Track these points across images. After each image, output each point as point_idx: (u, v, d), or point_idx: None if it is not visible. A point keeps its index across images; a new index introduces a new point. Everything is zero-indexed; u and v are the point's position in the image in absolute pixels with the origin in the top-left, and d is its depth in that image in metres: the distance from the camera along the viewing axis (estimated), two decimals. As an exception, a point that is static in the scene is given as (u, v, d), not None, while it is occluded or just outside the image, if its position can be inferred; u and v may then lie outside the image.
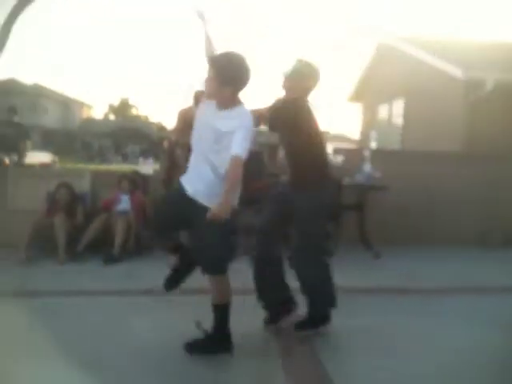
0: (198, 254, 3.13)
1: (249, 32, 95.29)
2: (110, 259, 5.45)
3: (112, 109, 51.98)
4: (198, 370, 2.98)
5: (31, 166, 7.28)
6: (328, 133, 32.80)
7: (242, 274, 3.74)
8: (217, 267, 3.08)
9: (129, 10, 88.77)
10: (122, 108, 52.14)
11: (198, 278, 3.90)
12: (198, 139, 3.10)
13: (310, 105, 3.52)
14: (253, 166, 6.26)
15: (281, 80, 3.55)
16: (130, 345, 3.30)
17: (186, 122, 6.66)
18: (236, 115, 2.99)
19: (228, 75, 2.92)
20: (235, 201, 3.08)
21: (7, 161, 6.56)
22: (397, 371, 3.01)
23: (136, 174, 6.64)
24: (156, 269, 5.18)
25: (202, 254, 3.07)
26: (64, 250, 5.48)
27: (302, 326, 3.58)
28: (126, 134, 40.16)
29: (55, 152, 18.01)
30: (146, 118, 51.36)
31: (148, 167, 6.70)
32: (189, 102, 6.80)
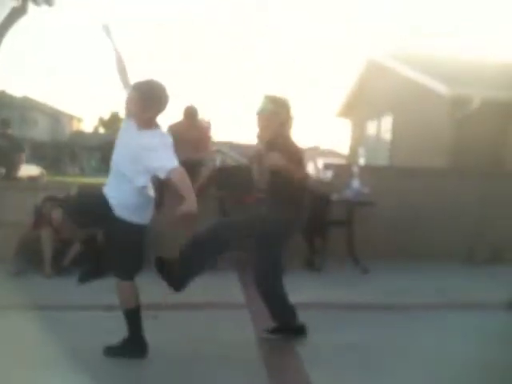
0: (110, 257, 3.34)
1: (249, 31, 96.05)
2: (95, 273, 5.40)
3: (102, 122, 51.89)
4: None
5: (19, 179, 7.24)
6: (318, 148, 33.00)
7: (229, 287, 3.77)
8: (125, 274, 3.29)
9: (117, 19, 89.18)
10: (112, 121, 52.09)
11: (185, 294, 3.92)
12: (117, 155, 3.26)
13: (286, 142, 3.57)
14: (242, 181, 6.33)
15: (255, 120, 3.65)
16: (117, 360, 3.28)
17: (176, 136, 6.71)
18: (156, 135, 3.18)
19: (149, 103, 3.13)
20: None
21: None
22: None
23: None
24: (143, 284, 5.20)
25: (113, 259, 3.31)
26: (50, 264, 5.44)
27: (274, 331, 3.69)
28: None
29: (45, 165, 17.91)
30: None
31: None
32: (179, 117, 6.84)
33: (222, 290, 5.17)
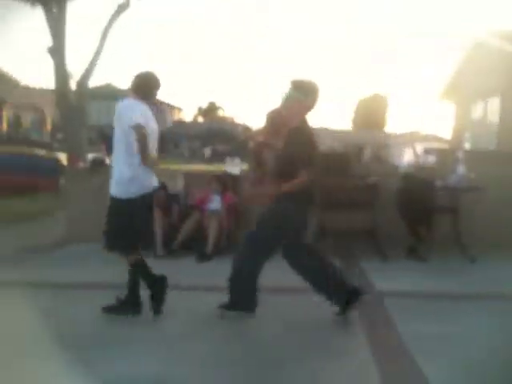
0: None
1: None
2: (203, 257, 5.67)
3: (200, 111, 53.57)
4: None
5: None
6: (418, 132, 31.73)
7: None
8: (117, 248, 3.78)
9: (211, 14, 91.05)
10: (210, 110, 53.59)
11: (288, 278, 4.00)
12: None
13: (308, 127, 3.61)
14: (339, 167, 6.29)
15: (280, 105, 3.66)
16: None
17: (275, 123, 6.80)
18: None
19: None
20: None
21: (108, 161, 7.00)
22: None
23: (225, 174, 6.83)
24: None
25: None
26: (161, 246, 5.78)
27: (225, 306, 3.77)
28: (214, 135, 41.20)
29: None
30: (232, 119, 52.34)
31: (235, 167, 6.87)
32: (277, 104, 6.93)
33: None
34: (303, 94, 3.46)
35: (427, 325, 3.72)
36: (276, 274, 4.01)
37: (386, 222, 5.88)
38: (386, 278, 4.99)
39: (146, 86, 3.77)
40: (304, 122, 3.53)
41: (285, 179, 3.53)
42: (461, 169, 6.05)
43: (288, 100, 3.52)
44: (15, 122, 15.21)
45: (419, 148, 14.63)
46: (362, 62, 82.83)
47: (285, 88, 3.50)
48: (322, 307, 3.89)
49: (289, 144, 3.52)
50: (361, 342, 3.44)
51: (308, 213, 3.76)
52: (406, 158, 12.33)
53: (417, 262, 5.75)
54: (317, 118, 6.78)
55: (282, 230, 3.64)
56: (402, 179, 6.19)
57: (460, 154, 6.23)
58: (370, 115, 35.53)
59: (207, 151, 27.33)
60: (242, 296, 3.73)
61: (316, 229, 5.87)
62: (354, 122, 39.27)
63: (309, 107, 3.51)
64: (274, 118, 6.74)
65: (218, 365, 3.08)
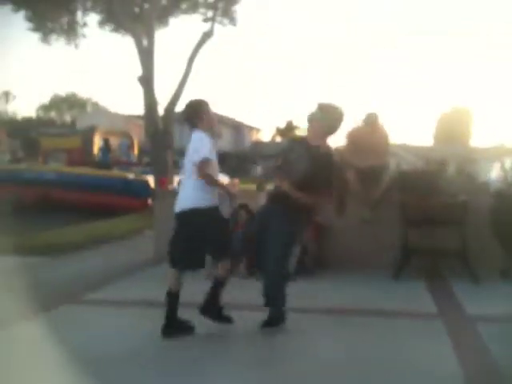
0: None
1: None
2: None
3: (279, 131, 54.12)
4: None
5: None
6: (503, 146, 30.12)
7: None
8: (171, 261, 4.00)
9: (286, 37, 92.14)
10: (288, 130, 53.95)
11: (373, 300, 3.95)
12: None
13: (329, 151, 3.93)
14: (425, 184, 6.12)
15: (307, 125, 3.92)
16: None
17: (356, 143, 6.77)
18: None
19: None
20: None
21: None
22: None
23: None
24: (330, 288, 5.35)
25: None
26: (245, 267, 5.86)
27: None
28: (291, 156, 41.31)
29: (230, 173, 19.36)
30: (310, 138, 52.31)
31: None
32: (357, 123, 6.88)
33: (410, 297, 5.07)
34: (327, 116, 3.79)
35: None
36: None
37: (477, 242, 5.63)
38: (478, 302, 4.78)
39: (195, 113, 4.03)
40: (326, 145, 3.90)
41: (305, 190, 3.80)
42: None
43: (312, 119, 3.87)
44: (105, 147, 16.16)
45: (508, 163, 13.86)
46: (442, 74, 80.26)
47: (311, 110, 3.90)
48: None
49: (316, 165, 3.79)
50: (454, 366, 3.31)
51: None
52: (494, 173, 11.74)
53: (510, 284, 5.44)
54: (395, 135, 6.71)
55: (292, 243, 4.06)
56: (495, 197, 5.92)
57: None
58: (453, 129, 34.25)
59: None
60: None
61: (402, 248, 5.75)
62: (436, 137, 38.00)
63: (331, 129, 3.86)
64: (356, 137, 6.74)
65: None
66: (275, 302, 3.94)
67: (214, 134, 4.09)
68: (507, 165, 13.09)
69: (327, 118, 3.78)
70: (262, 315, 3.98)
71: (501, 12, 79.74)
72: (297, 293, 5.15)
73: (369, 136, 6.40)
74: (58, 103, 56.71)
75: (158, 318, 3.90)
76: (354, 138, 6.62)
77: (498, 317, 4.38)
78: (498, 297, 4.98)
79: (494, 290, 5.22)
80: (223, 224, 4.10)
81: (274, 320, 3.93)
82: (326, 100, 3.92)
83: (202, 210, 3.87)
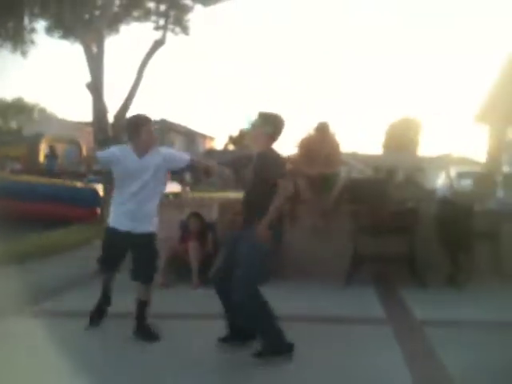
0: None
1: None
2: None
3: (232, 139, 54.20)
4: None
5: (166, 196, 7.84)
6: (450, 155, 31.26)
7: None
8: (151, 277, 4.16)
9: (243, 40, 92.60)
10: (240, 138, 54.14)
11: (324, 307, 3.95)
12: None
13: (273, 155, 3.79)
14: (376, 193, 6.26)
15: (246, 133, 3.89)
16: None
17: (308, 151, 6.85)
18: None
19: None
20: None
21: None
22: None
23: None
24: (281, 296, 5.34)
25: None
26: (197, 276, 5.82)
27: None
28: (243, 162, 41.44)
29: (182, 182, 19.21)
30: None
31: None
32: (309, 132, 6.97)
33: (359, 304, 5.14)
34: (268, 125, 3.79)
35: (470, 355, 3.63)
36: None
37: (424, 248, 5.79)
38: (425, 306, 4.89)
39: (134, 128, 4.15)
40: (270, 148, 3.81)
41: (260, 204, 3.61)
42: (501, 193, 5.94)
43: (251, 126, 3.90)
44: (51, 154, 15.68)
45: (453, 171, 14.38)
46: (391, 83, 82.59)
47: (251, 118, 3.91)
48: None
49: (258, 169, 3.72)
50: (404, 373, 3.37)
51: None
52: (440, 181, 12.15)
53: (456, 289, 5.60)
54: (346, 143, 6.83)
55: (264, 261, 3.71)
56: (440, 204, 6.11)
57: (499, 178, 6.12)
58: (402, 138, 35.30)
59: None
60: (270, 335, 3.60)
61: (353, 254, 5.84)
62: (385, 145, 39.04)
63: (273, 138, 3.81)
64: (307, 146, 6.83)
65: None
66: (262, 334, 3.61)
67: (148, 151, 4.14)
68: (452, 173, 13.59)
69: (268, 124, 3.79)
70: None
71: (450, 19, 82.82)
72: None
73: (320, 144, 6.50)
74: (5, 109, 54.77)
75: (107, 328, 3.80)
76: (305, 146, 6.70)
77: (445, 321, 4.50)
78: (445, 302, 5.12)
79: (441, 295, 5.37)
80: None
81: (268, 351, 3.54)
82: (272, 109, 3.97)
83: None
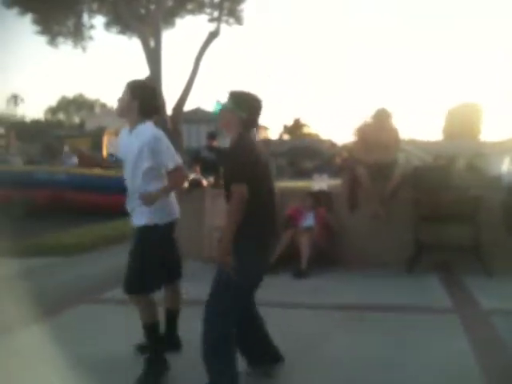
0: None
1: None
2: (299, 274, 5.71)
3: (286, 129, 54.11)
4: None
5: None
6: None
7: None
8: (128, 287, 3.20)
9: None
10: (295, 127, 53.94)
11: (388, 296, 3.91)
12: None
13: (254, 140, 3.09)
14: (438, 180, 6.10)
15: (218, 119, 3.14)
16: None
17: (366, 139, 6.75)
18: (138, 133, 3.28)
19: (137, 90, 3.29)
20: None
21: (204, 182, 7.27)
22: None
23: (320, 191, 6.84)
24: (342, 284, 5.36)
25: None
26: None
27: None
28: (300, 152, 41.38)
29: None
30: (317, 135, 52.36)
31: (323, 183, 6.92)
32: (366, 119, 6.87)
33: (424, 292, 5.06)
34: (239, 107, 3.07)
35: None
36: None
37: (489, 236, 5.61)
38: (491, 295, 4.75)
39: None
40: (242, 135, 3.05)
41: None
42: None
43: (222, 109, 3.12)
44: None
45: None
46: (451, 68, 79.77)
47: (223, 99, 3.16)
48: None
49: (229, 166, 3.03)
50: (471, 361, 3.30)
51: (263, 256, 3.02)
52: (505, 167, 11.63)
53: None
54: (403, 130, 6.69)
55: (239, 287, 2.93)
56: (506, 191, 5.89)
57: None
58: (463, 124, 34.07)
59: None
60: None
61: (415, 243, 5.74)
62: (445, 132, 37.81)
63: (246, 121, 3.07)
64: (365, 133, 6.74)
65: None
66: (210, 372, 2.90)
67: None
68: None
69: (244, 108, 3.07)
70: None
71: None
72: (310, 289, 5.19)
73: (379, 132, 6.39)
74: (66, 105, 57.00)
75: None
76: (363, 134, 6.62)
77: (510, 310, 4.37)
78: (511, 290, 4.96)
79: (508, 283, 5.19)
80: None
81: None
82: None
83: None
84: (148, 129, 3.26)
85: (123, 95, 3.28)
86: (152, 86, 3.50)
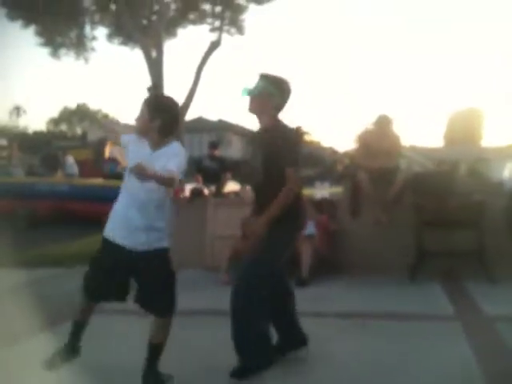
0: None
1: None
2: (300, 282, 5.69)
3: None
4: None
5: (227, 195, 7.99)
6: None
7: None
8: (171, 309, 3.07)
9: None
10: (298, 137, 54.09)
11: (391, 303, 3.89)
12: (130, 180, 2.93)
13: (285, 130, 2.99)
14: (440, 186, 6.09)
15: (246, 101, 3.00)
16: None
17: (367, 146, 6.75)
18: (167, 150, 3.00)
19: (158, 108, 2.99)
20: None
21: (206, 191, 7.30)
22: None
23: (323, 199, 6.84)
24: (345, 292, 5.34)
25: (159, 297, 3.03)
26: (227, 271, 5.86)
27: None
28: (301, 159, 41.35)
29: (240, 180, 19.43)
30: (319, 143, 52.38)
31: (324, 191, 6.94)
32: (366, 125, 6.87)
33: (426, 299, 5.04)
34: (276, 90, 2.93)
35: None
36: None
37: (492, 242, 5.59)
38: (495, 302, 4.72)
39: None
40: (278, 121, 2.98)
41: (269, 195, 2.94)
42: None
43: (257, 93, 2.94)
44: (111, 159, 16.24)
45: (521, 162, 13.65)
46: (450, 74, 79.90)
47: (253, 81, 2.99)
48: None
49: (266, 151, 2.93)
50: (475, 369, 3.28)
51: (295, 238, 3.18)
52: (508, 172, 11.61)
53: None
54: (404, 136, 6.69)
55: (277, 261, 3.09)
56: (510, 197, 5.87)
57: None
58: (463, 130, 34.02)
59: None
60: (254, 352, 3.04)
61: (417, 249, 5.73)
62: (446, 137, 37.76)
63: (279, 105, 2.96)
64: (367, 140, 6.74)
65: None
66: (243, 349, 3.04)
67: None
68: (520, 163, 12.92)
69: (280, 90, 2.94)
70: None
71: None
72: (312, 297, 5.17)
73: (380, 138, 6.40)
74: (69, 115, 57.24)
75: (179, 324, 3.90)
76: (365, 140, 6.62)
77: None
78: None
79: (511, 289, 5.17)
80: None
81: (244, 371, 3.03)
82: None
83: None
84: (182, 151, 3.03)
85: (142, 112, 3.06)
86: (175, 104, 3.16)
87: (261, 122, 3.01)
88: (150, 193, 2.92)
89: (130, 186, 2.99)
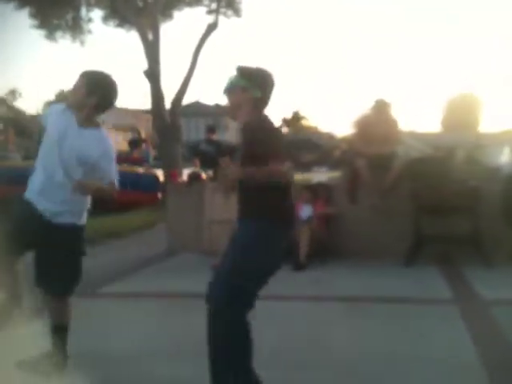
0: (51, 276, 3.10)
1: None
2: (297, 266, 5.71)
3: (285, 122, 54.05)
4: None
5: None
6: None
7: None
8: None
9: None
10: (294, 120, 53.86)
11: (391, 287, 3.89)
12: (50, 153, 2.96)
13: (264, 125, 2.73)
14: (437, 172, 6.10)
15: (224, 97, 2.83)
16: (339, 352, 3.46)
17: (365, 131, 6.73)
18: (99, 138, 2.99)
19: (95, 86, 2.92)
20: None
21: (204, 176, 7.29)
22: None
23: (318, 184, 6.85)
24: (342, 276, 5.37)
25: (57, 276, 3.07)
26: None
27: None
28: (299, 145, 41.32)
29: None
30: (316, 128, 52.29)
31: (322, 175, 6.95)
32: (363, 111, 6.83)
33: (423, 284, 5.07)
34: (250, 83, 2.74)
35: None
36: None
37: (489, 228, 5.61)
38: (492, 286, 4.75)
39: None
40: (258, 116, 2.77)
41: (254, 192, 2.61)
42: None
43: (231, 89, 2.79)
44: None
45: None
46: (448, 59, 79.53)
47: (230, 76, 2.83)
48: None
49: (246, 145, 2.68)
50: (472, 353, 3.31)
51: (284, 240, 2.74)
52: (505, 158, 11.61)
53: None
54: (402, 122, 6.67)
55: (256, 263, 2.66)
56: (506, 182, 5.88)
57: None
58: (460, 115, 33.96)
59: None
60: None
61: (414, 234, 5.75)
62: (443, 123, 37.73)
63: (259, 100, 2.76)
64: (364, 125, 6.71)
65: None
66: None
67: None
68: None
69: (256, 84, 2.74)
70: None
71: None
72: (309, 281, 5.20)
73: (378, 123, 6.38)
74: (65, 99, 56.81)
75: (174, 309, 3.92)
76: (362, 126, 6.60)
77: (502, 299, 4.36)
78: (506, 280, 4.95)
79: (508, 274, 5.20)
80: None
81: None
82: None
83: None
84: (109, 142, 3.07)
85: (78, 85, 2.96)
86: (113, 82, 3.04)
87: (238, 118, 2.79)
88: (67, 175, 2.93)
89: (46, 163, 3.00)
